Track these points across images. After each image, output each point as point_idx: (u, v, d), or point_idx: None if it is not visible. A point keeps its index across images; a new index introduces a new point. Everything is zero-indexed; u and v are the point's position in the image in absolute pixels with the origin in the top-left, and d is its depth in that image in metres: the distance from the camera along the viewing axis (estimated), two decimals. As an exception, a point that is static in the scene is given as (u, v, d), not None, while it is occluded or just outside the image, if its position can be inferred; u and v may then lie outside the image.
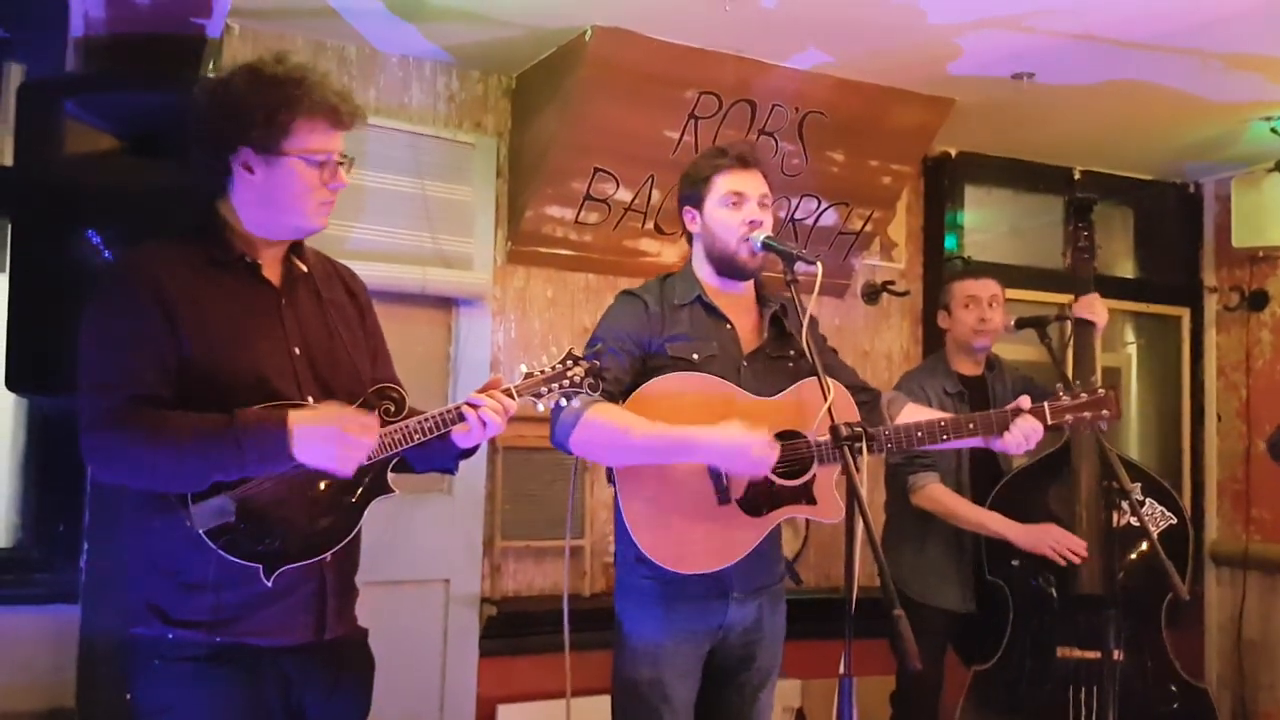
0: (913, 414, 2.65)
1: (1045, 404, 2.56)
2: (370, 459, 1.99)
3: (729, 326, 2.58)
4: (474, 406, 2.05)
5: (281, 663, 2.02)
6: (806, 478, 2.49)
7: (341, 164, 2.06)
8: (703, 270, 2.62)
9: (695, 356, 2.51)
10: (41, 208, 2.43)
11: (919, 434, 2.51)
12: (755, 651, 2.58)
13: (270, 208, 2.04)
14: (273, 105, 1.98)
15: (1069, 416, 2.57)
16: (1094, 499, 3.38)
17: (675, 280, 2.64)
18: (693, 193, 2.59)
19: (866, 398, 2.67)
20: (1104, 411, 2.59)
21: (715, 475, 2.44)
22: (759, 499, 2.47)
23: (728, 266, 2.56)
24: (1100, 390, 2.61)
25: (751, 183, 2.55)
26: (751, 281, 2.64)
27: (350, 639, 2.16)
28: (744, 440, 2.33)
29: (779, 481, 2.47)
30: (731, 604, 2.53)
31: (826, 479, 2.52)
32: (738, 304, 2.61)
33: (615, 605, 2.60)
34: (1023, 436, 2.52)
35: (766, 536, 2.52)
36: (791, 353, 2.60)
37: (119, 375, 1.91)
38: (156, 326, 1.94)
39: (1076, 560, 3.33)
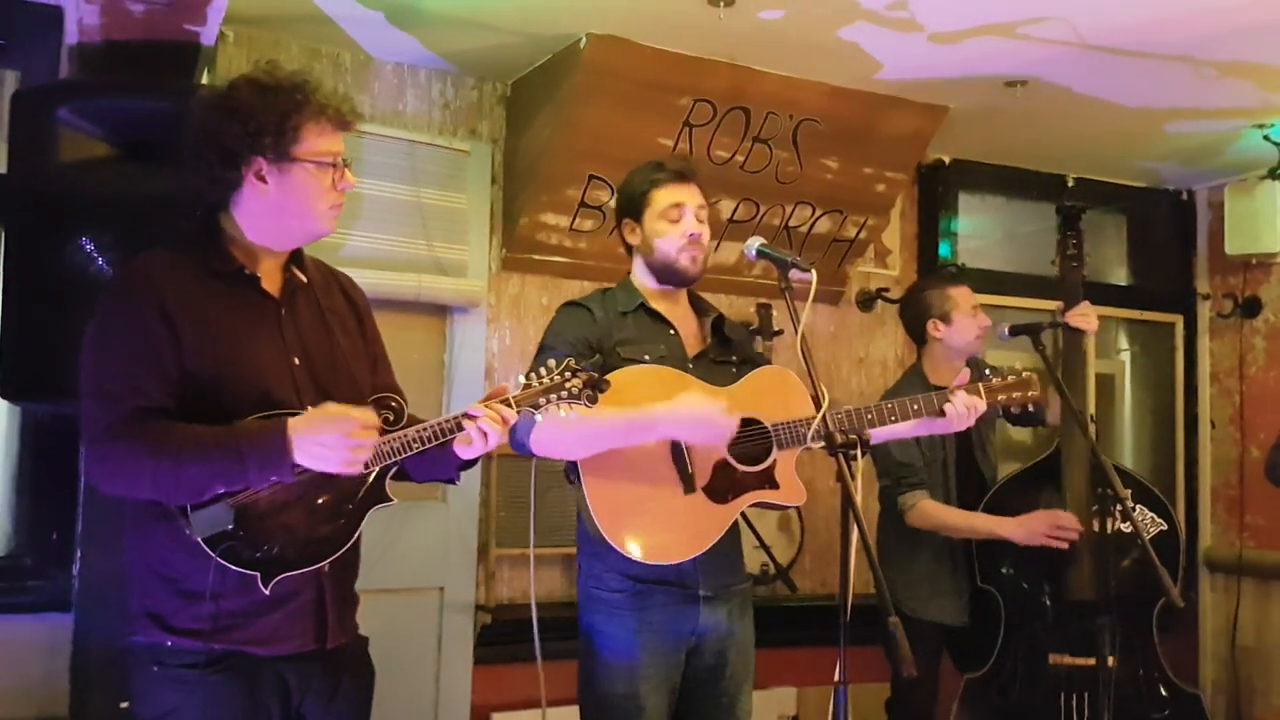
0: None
1: (980, 383, 2.66)
2: (368, 467, 1.99)
3: (673, 332, 2.65)
4: (472, 418, 2.04)
5: (281, 671, 2.01)
6: (768, 463, 2.53)
7: (346, 165, 2.08)
8: (644, 280, 2.68)
9: (646, 358, 2.55)
10: (35, 215, 2.43)
11: (869, 415, 2.56)
12: (728, 658, 2.59)
13: (283, 215, 2.05)
14: (282, 112, 1.99)
15: (1000, 396, 2.69)
16: (1085, 505, 3.37)
17: (615, 292, 2.69)
18: (630, 206, 2.66)
19: None
20: (1030, 393, 2.70)
21: (680, 463, 2.47)
22: (723, 486, 2.51)
23: (669, 275, 2.63)
24: (1024, 374, 2.73)
25: (688, 195, 2.62)
26: (685, 292, 2.72)
27: (351, 647, 2.15)
28: (704, 409, 2.38)
29: (741, 468, 2.51)
30: (702, 607, 2.54)
31: (787, 464, 2.56)
32: (677, 311, 2.69)
33: (580, 620, 2.58)
34: (964, 408, 2.59)
35: (728, 536, 2.55)
36: (734, 358, 2.69)
37: (122, 386, 1.91)
38: (159, 337, 1.93)
39: (1074, 538, 3.32)
